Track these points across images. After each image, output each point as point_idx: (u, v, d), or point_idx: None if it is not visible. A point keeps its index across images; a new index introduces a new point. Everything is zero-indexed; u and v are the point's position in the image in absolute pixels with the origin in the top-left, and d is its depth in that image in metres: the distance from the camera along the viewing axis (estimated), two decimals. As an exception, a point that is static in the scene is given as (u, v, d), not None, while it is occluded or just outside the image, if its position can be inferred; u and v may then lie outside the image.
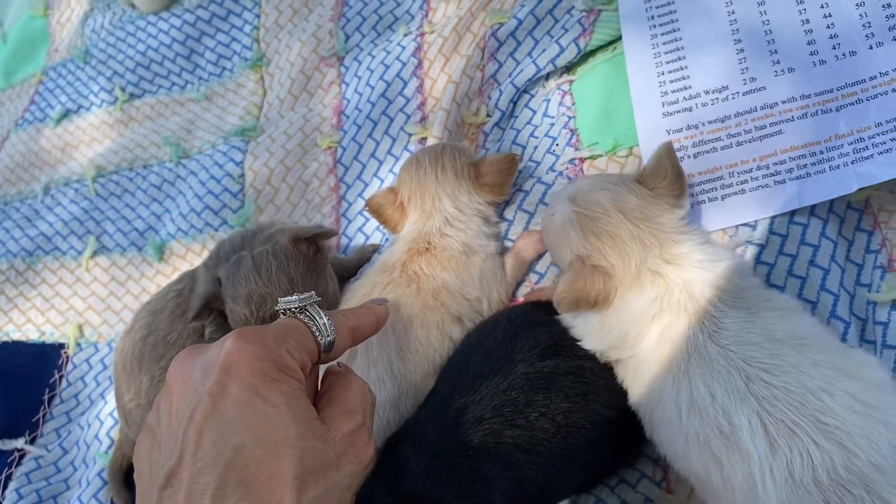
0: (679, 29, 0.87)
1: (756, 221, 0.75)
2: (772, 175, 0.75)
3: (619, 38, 0.91)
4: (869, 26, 0.77)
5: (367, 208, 0.89)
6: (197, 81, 1.36)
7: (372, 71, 1.11)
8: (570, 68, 0.95)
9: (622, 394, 0.67)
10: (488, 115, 0.99)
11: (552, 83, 0.96)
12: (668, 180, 0.69)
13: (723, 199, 0.77)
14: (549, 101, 0.94)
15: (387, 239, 0.97)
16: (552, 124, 0.92)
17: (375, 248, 0.97)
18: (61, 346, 1.19)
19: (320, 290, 0.82)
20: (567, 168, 0.87)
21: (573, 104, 0.92)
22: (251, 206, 1.12)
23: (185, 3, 1.42)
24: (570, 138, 0.89)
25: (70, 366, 1.16)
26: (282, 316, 0.45)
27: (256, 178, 1.14)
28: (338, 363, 0.48)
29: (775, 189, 0.75)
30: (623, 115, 0.86)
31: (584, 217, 0.68)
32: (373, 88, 1.09)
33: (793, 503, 0.53)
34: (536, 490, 0.64)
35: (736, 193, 0.77)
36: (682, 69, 0.85)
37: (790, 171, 0.75)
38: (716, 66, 0.83)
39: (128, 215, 1.26)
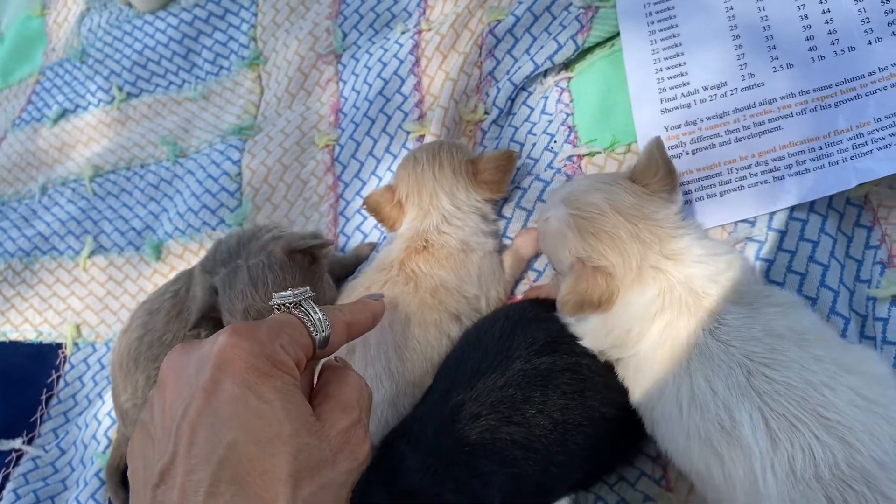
0: (677, 25, 0.87)
1: (755, 218, 0.74)
2: (770, 171, 0.75)
3: (617, 34, 0.90)
4: (868, 21, 0.77)
5: (364, 206, 0.89)
6: (194, 80, 1.36)
7: (369, 69, 1.10)
8: (567, 65, 0.95)
9: (620, 391, 0.67)
10: (486, 113, 0.99)
11: (550, 80, 0.95)
12: (659, 175, 0.69)
13: (721, 195, 0.77)
14: (547, 98, 0.94)
15: (385, 237, 0.96)
16: (550, 121, 0.92)
17: (373, 247, 0.97)
18: (59, 346, 1.18)
19: (318, 299, 0.82)
20: (565, 165, 0.87)
21: (571, 101, 0.91)
22: (248, 204, 1.12)
23: (182, 2, 1.42)
24: (569, 135, 0.89)
25: (67, 366, 1.16)
26: (276, 311, 0.45)
27: (254, 177, 1.14)
28: (335, 357, 0.47)
29: (774, 185, 0.74)
30: (621, 112, 0.86)
31: (581, 219, 0.68)
32: (370, 86, 1.08)
33: (794, 499, 0.53)
34: (534, 486, 0.64)
35: (734, 190, 0.76)
36: (680, 65, 0.84)
37: (789, 167, 0.74)
38: (714, 63, 0.83)
39: (125, 215, 1.25)
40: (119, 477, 0.92)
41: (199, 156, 1.23)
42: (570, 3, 0.96)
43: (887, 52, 0.75)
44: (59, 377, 1.15)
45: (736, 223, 0.75)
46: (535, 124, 0.94)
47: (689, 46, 0.85)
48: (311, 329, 0.43)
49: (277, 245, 0.80)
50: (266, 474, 0.36)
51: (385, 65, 1.08)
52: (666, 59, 0.85)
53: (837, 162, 0.72)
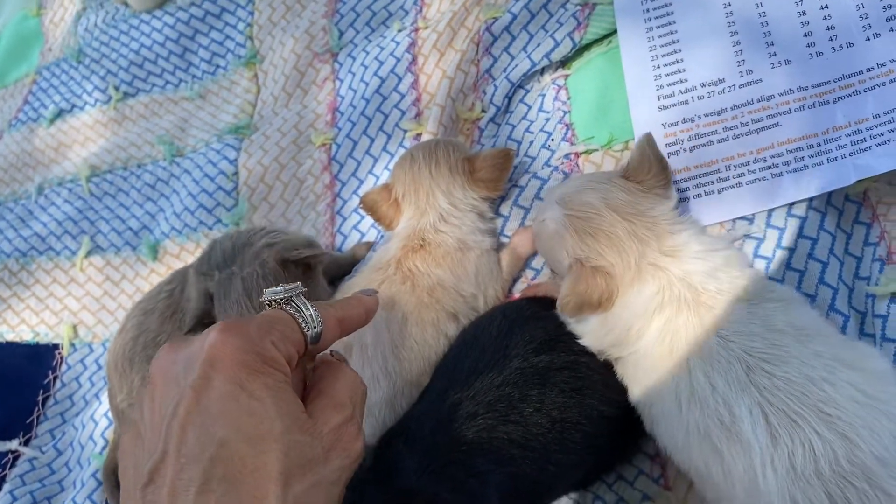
0: (675, 22, 0.87)
1: (753, 215, 0.74)
2: (769, 168, 0.75)
3: (615, 31, 0.90)
4: (866, 17, 0.77)
5: (361, 205, 0.88)
6: (190, 79, 1.36)
7: (366, 67, 1.10)
8: (565, 63, 0.95)
9: (618, 389, 0.67)
10: (483, 111, 0.98)
11: (547, 78, 0.95)
12: (653, 172, 0.68)
13: (719, 192, 0.76)
14: (544, 95, 0.94)
15: (382, 236, 0.96)
16: (547, 119, 0.91)
17: (370, 246, 0.97)
18: (55, 346, 1.18)
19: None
20: (562, 163, 0.87)
21: (568, 99, 0.91)
22: (245, 204, 1.12)
23: (178, 1, 1.42)
24: (566, 133, 0.89)
25: (64, 366, 1.15)
26: (267, 307, 0.44)
27: (250, 176, 1.13)
28: (331, 352, 0.47)
29: (773, 182, 0.74)
30: (619, 110, 0.85)
31: (577, 219, 0.67)
32: (367, 85, 1.08)
33: (794, 495, 0.52)
34: (531, 485, 0.63)
35: (733, 187, 0.76)
36: (677, 62, 0.84)
37: (787, 163, 0.74)
38: (712, 59, 0.82)
39: (122, 214, 1.25)
40: (116, 478, 0.92)
41: (195, 155, 1.23)
42: (568, 1, 0.96)
43: (885, 48, 0.74)
44: (55, 378, 1.15)
45: (734, 220, 0.75)
46: (532, 122, 0.93)
47: (686, 43, 0.85)
48: (303, 325, 0.42)
49: (271, 255, 0.80)
50: (257, 472, 0.35)
51: (382, 63, 1.08)
52: (663, 56, 0.85)
53: (836, 158, 0.72)
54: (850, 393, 0.54)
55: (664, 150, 0.78)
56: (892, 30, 0.75)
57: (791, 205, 0.72)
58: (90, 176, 1.31)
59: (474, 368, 0.66)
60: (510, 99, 0.97)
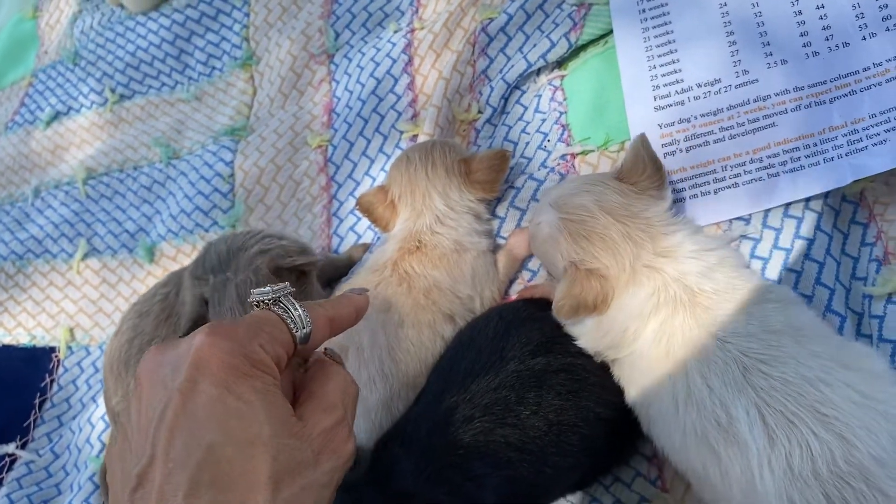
0: (671, 22, 0.86)
1: (750, 215, 0.74)
2: (765, 168, 0.75)
3: (611, 32, 0.90)
4: (862, 17, 0.76)
5: (357, 207, 0.88)
6: (187, 81, 1.35)
7: (362, 68, 1.10)
8: (561, 63, 0.95)
9: (615, 391, 0.66)
10: (479, 112, 0.98)
11: (543, 78, 0.95)
12: (647, 173, 0.68)
13: (716, 192, 0.76)
14: (540, 96, 0.93)
15: (378, 238, 0.96)
16: (543, 120, 0.91)
17: (367, 248, 0.96)
18: (52, 349, 1.18)
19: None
20: (559, 164, 0.87)
21: (564, 99, 0.91)
22: (241, 206, 1.11)
23: (174, 3, 1.42)
24: (562, 134, 0.88)
25: (61, 369, 1.15)
26: (255, 308, 0.43)
27: (247, 178, 1.13)
28: (325, 350, 0.46)
29: (769, 182, 0.74)
30: (615, 110, 0.85)
31: (571, 222, 0.67)
32: (363, 86, 1.08)
33: (791, 496, 0.52)
34: (528, 488, 0.63)
35: (729, 187, 0.76)
36: (673, 62, 0.84)
37: (784, 163, 0.74)
38: (708, 59, 0.82)
39: (118, 217, 1.25)
40: (113, 481, 0.92)
41: (191, 157, 1.23)
42: (563, 1, 0.96)
43: (881, 47, 0.74)
44: (52, 381, 1.14)
45: (731, 221, 0.75)
46: (528, 123, 0.93)
47: (682, 43, 0.84)
48: (292, 326, 0.42)
49: (264, 262, 0.80)
50: (245, 476, 0.35)
51: (378, 64, 1.08)
52: (659, 56, 0.85)
53: (832, 158, 0.72)
54: (848, 393, 0.54)
55: (660, 151, 0.78)
56: (888, 29, 0.74)
57: (788, 205, 0.72)
58: (86, 178, 1.31)
59: (471, 371, 0.66)
60: (506, 100, 0.97)
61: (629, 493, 0.71)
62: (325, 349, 0.46)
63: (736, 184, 0.75)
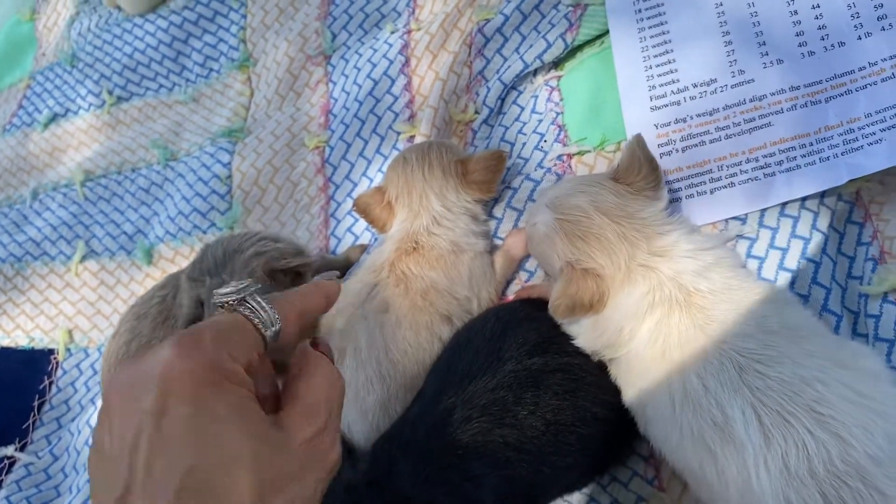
0: (666, 22, 0.86)
1: (746, 215, 0.74)
2: (761, 168, 0.75)
3: (607, 32, 0.90)
4: (857, 17, 0.77)
5: (354, 208, 0.88)
6: (184, 83, 1.35)
7: (359, 69, 1.10)
8: (557, 64, 0.95)
9: (612, 391, 0.67)
10: (476, 112, 0.98)
11: (540, 79, 0.95)
12: (643, 173, 0.68)
13: (712, 192, 0.76)
14: (536, 97, 0.94)
15: (376, 239, 0.96)
16: (540, 120, 0.91)
17: (364, 249, 0.96)
18: (51, 351, 1.18)
19: None
20: (555, 164, 0.87)
21: (561, 100, 0.91)
22: (239, 207, 1.12)
23: (172, 5, 1.42)
24: (559, 134, 0.88)
25: (60, 371, 1.15)
26: (219, 311, 0.41)
27: (244, 180, 1.13)
28: (313, 339, 0.44)
29: (765, 182, 0.74)
30: (611, 110, 0.85)
31: (567, 223, 0.67)
32: (360, 87, 1.08)
33: (788, 496, 0.52)
34: (527, 488, 0.63)
35: (725, 187, 0.76)
36: (669, 62, 0.84)
37: (780, 163, 0.74)
38: (704, 59, 0.82)
39: (116, 219, 1.25)
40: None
41: (189, 159, 1.23)
42: (559, 2, 0.96)
43: (877, 47, 0.74)
44: (51, 383, 1.14)
45: (727, 220, 0.75)
46: (525, 123, 0.93)
47: (678, 43, 0.84)
48: (260, 326, 0.39)
49: (259, 264, 0.80)
50: (229, 496, 0.34)
51: (375, 65, 1.08)
52: (655, 56, 0.85)
53: (828, 158, 0.72)
54: (844, 392, 0.54)
55: (656, 151, 0.78)
56: (883, 29, 0.75)
57: (784, 205, 0.73)
58: (84, 180, 1.31)
59: (468, 371, 0.66)
60: (503, 100, 0.97)
61: (626, 492, 0.71)
62: (315, 337, 0.45)
63: (732, 183, 0.75)
